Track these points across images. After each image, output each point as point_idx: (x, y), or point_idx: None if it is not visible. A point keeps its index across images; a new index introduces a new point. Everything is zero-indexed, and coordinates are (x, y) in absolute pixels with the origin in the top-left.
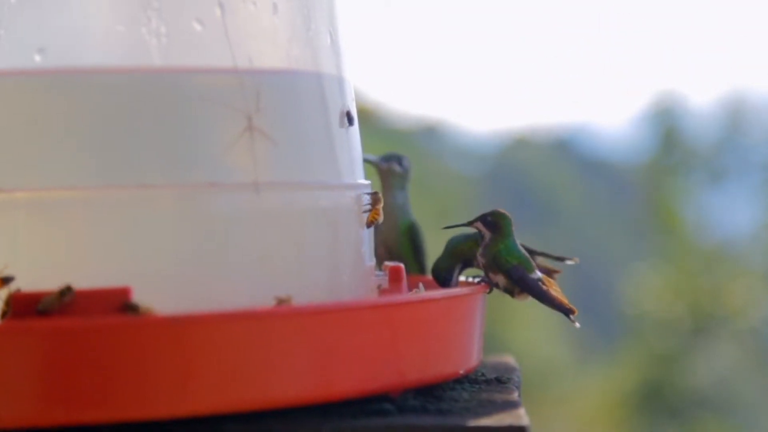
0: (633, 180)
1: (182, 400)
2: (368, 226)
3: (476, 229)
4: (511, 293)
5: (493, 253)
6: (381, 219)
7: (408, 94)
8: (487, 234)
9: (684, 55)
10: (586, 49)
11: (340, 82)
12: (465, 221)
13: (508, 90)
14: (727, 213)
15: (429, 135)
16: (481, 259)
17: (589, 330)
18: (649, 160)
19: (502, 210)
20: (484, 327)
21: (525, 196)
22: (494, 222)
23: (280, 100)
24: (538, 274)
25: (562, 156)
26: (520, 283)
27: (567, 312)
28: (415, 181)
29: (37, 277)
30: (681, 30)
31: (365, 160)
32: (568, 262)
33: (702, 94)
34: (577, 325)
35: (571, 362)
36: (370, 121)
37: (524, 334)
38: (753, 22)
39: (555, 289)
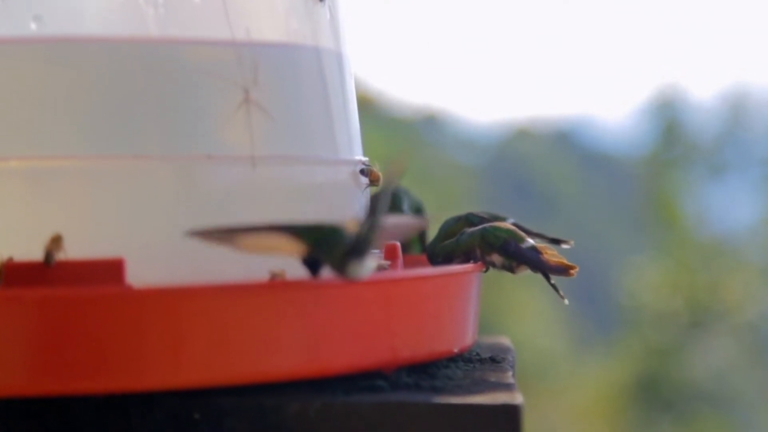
0: (633, 173)
1: (174, 372)
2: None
3: None
4: (511, 270)
5: (480, 234)
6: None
7: (409, 83)
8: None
9: (686, 49)
10: (588, 42)
11: (338, 57)
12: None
13: (509, 81)
14: (727, 207)
15: (430, 124)
16: (477, 249)
17: (586, 322)
18: (649, 153)
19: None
20: (480, 316)
21: (525, 188)
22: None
23: (277, 74)
24: (530, 241)
25: (563, 148)
26: (516, 256)
27: (566, 272)
28: (416, 170)
29: (31, 246)
30: (683, 23)
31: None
32: (564, 246)
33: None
34: (566, 301)
35: (568, 354)
36: (371, 109)
37: (521, 325)
38: (755, 17)
39: (551, 253)
